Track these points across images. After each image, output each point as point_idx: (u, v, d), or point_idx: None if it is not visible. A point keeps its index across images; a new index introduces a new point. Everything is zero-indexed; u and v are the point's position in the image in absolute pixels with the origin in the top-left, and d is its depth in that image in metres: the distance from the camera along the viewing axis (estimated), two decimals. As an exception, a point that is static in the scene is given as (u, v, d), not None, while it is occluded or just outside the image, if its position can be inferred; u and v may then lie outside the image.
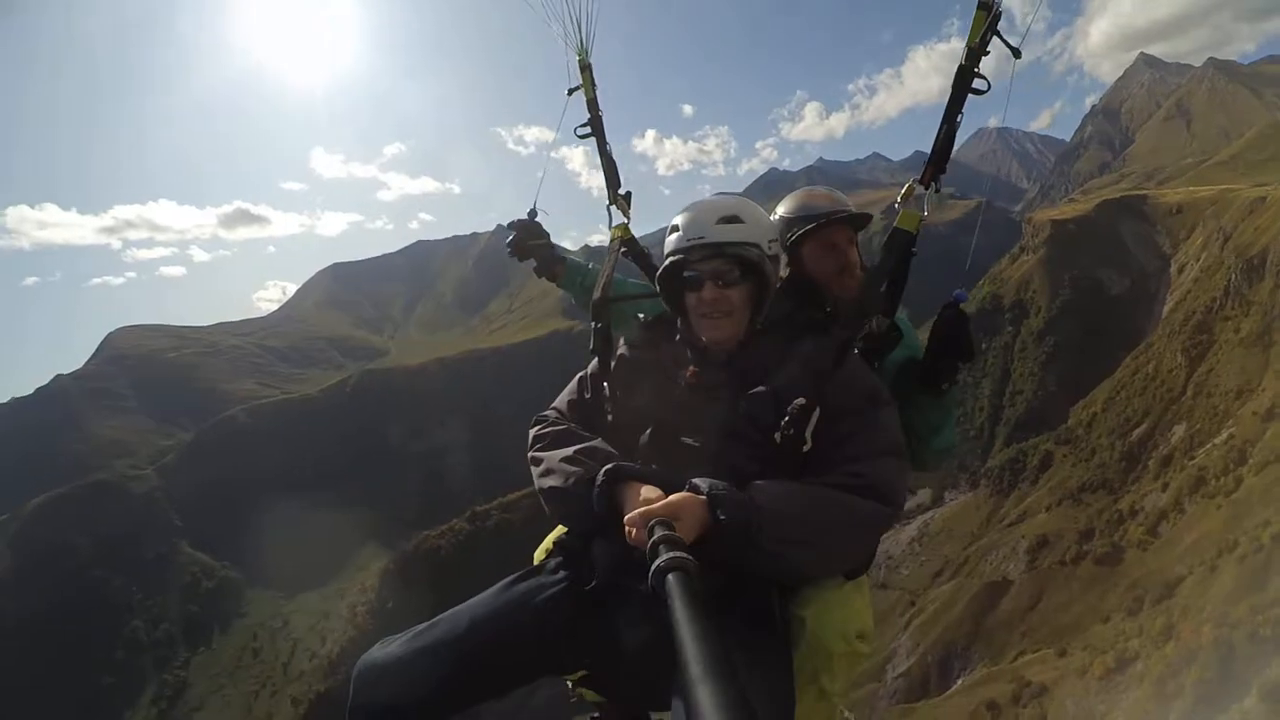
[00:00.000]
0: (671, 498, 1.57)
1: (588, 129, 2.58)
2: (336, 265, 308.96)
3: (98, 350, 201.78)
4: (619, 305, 2.48)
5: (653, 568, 1.21)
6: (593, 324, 2.27)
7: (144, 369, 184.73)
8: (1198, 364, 76.16)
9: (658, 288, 2.06)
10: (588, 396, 2.12)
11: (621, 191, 2.51)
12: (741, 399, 1.85)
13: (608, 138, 2.61)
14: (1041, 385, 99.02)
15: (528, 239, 2.69)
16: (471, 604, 1.89)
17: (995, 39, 2.14)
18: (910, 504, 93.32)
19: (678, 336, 2.07)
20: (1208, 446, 60.11)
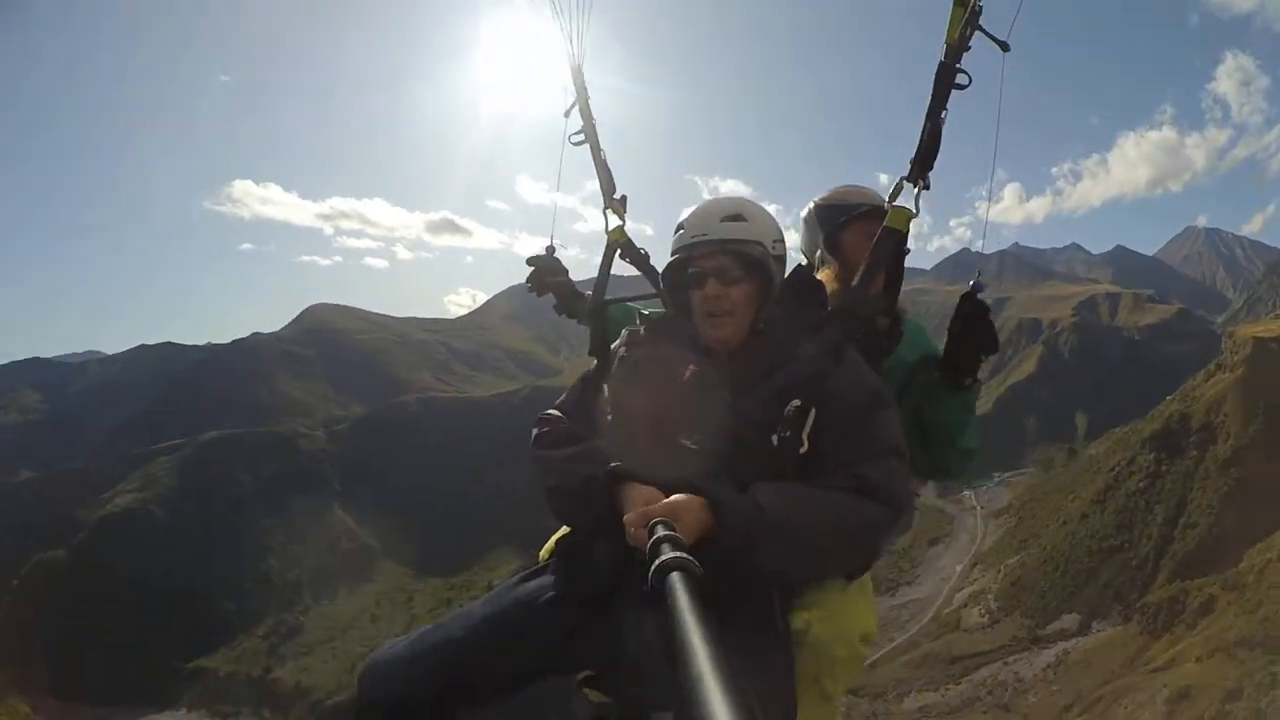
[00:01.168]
0: (672, 498, 1.59)
1: (581, 136, 2.60)
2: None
3: (296, 319, 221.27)
4: (626, 306, 2.58)
5: (653, 567, 1.21)
6: (590, 326, 2.36)
7: (334, 343, 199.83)
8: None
9: (661, 285, 2.12)
10: (590, 397, 2.14)
11: (616, 196, 2.55)
12: (739, 400, 1.85)
13: (601, 144, 2.63)
14: (1219, 521, 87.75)
15: (546, 275, 2.71)
16: (478, 604, 1.95)
17: (980, 34, 2.13)
18: (1054, 628, 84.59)
19: (680, 335, 2.07)
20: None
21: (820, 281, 2.20)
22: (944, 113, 2.13)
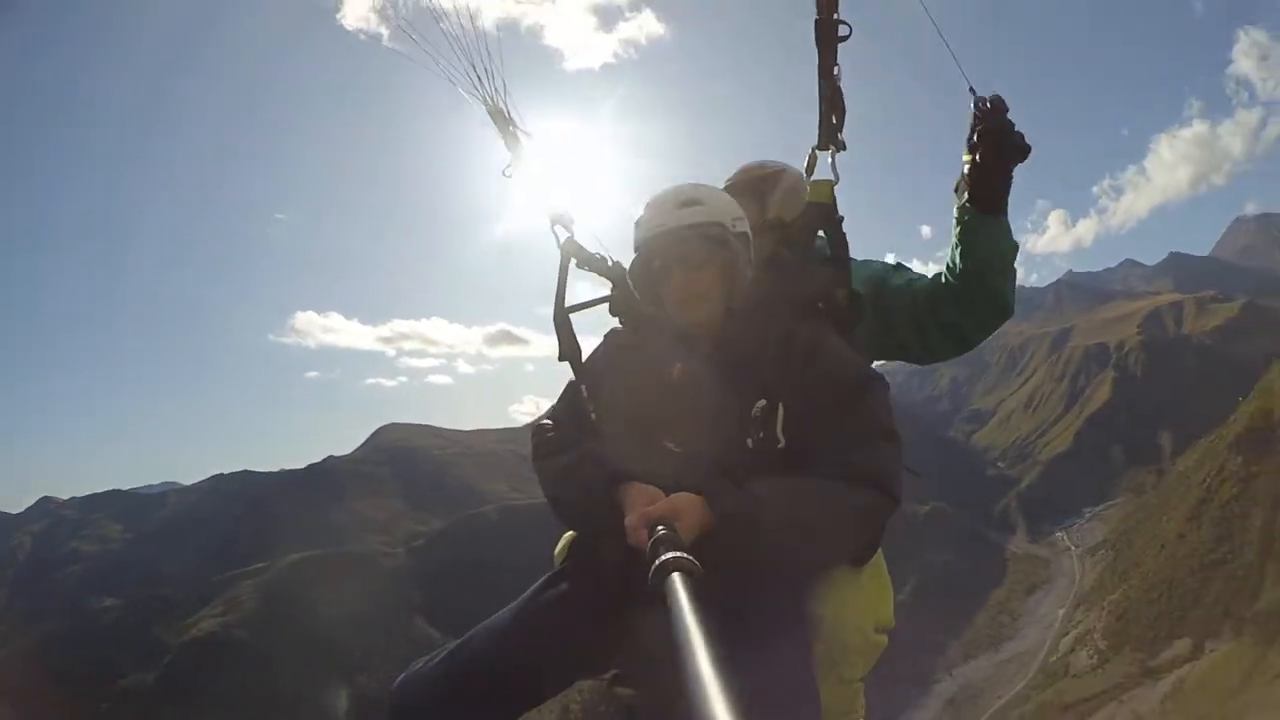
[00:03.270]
0: (670, 498, 1.59)
1: (512, 169, 2.64)
2: None
3: (368, 440, 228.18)
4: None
5: (653, 567, 1.21)
6: (557, 332, 2.36)
7: (407, 460, 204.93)
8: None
9: (630, 282, 2.11)
10: (579, 401, 2.15)
11: (559, 211, 2.51)
12: (722, 398, 1.85)
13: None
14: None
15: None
16: (500, 616, 1.99)
17: None
18: (1166, 655, 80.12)
19: (660, 330, 2.07)
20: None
21: (789, 260, 2.22)
22: (836, 69, 2.10)
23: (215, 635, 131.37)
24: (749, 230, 2.03)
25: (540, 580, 2.05)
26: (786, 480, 1.72)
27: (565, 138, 2.78)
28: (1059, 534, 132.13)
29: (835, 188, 2.13)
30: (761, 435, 1.78)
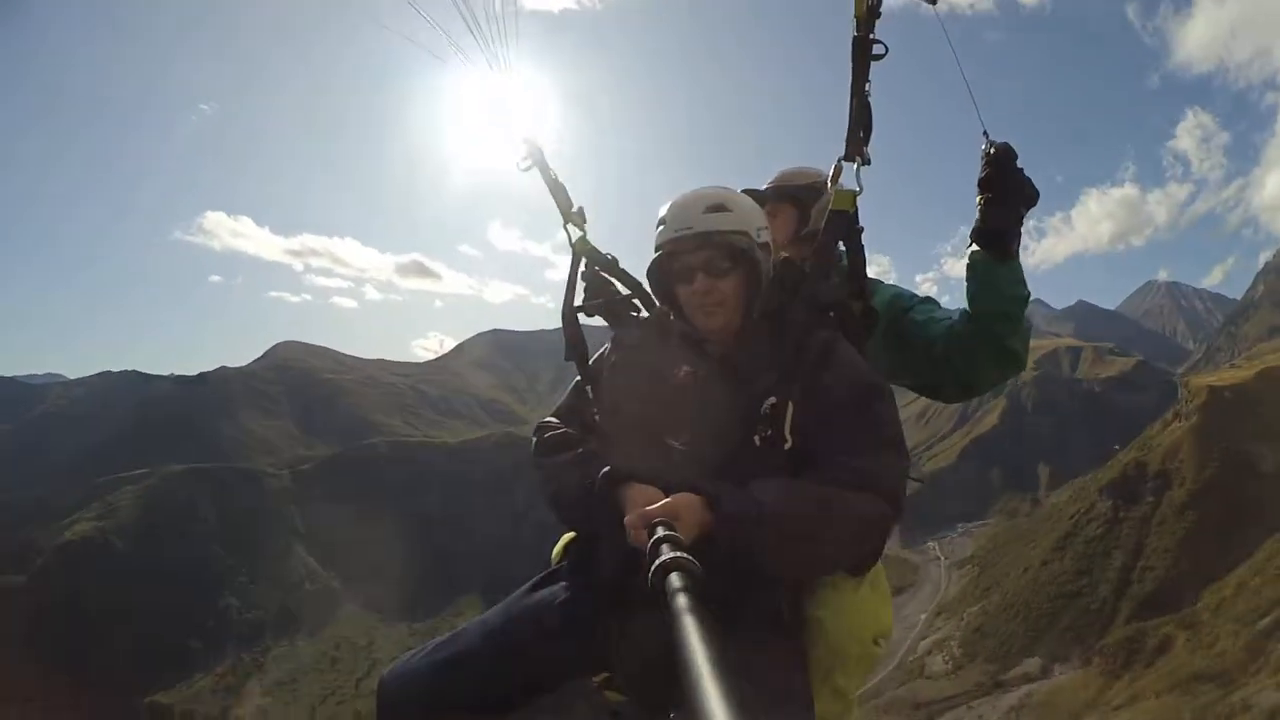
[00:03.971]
0: (671, 498, 1.57)
1: (529, 162, 2.59)
2: (497, 331, 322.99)
3: (264, 355, 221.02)
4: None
5: (652, 567, 1.21)
6: (565, 332, 2.34)
7: (302, 382, 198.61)
8: (1342, 559, 68.54)
9: (648, 282, 2.07)
10: (583, 401, 2.14)
11: (574, 209, 2.53)
12: (731, 398, 1.84)
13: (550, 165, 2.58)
14: (1175, 564, 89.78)
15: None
16: (492, 613, 1.96)
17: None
18: (1016, 672, 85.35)
19: (671, 332, 2.05)
20: (1340, 649, 53.73)
21: (805, 272, 2.15)
22: (868, 85, 2.12)
23: (91, 540, 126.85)
24: (771, 240, 2.03)
25: (534, 578, 2.04)
26: (789, 483, 1.70)
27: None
28: (931, 543, 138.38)
29: (858, 199, 2.13)
30: (769, 433, 1.77)
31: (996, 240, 2.10)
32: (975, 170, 2.14)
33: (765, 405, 1.76)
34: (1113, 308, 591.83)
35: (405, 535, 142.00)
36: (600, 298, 2.44)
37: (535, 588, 1.97)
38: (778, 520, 1.59)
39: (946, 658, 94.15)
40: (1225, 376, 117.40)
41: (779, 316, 1.97)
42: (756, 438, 1.76)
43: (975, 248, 2.15)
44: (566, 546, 2.09)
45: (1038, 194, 2.10)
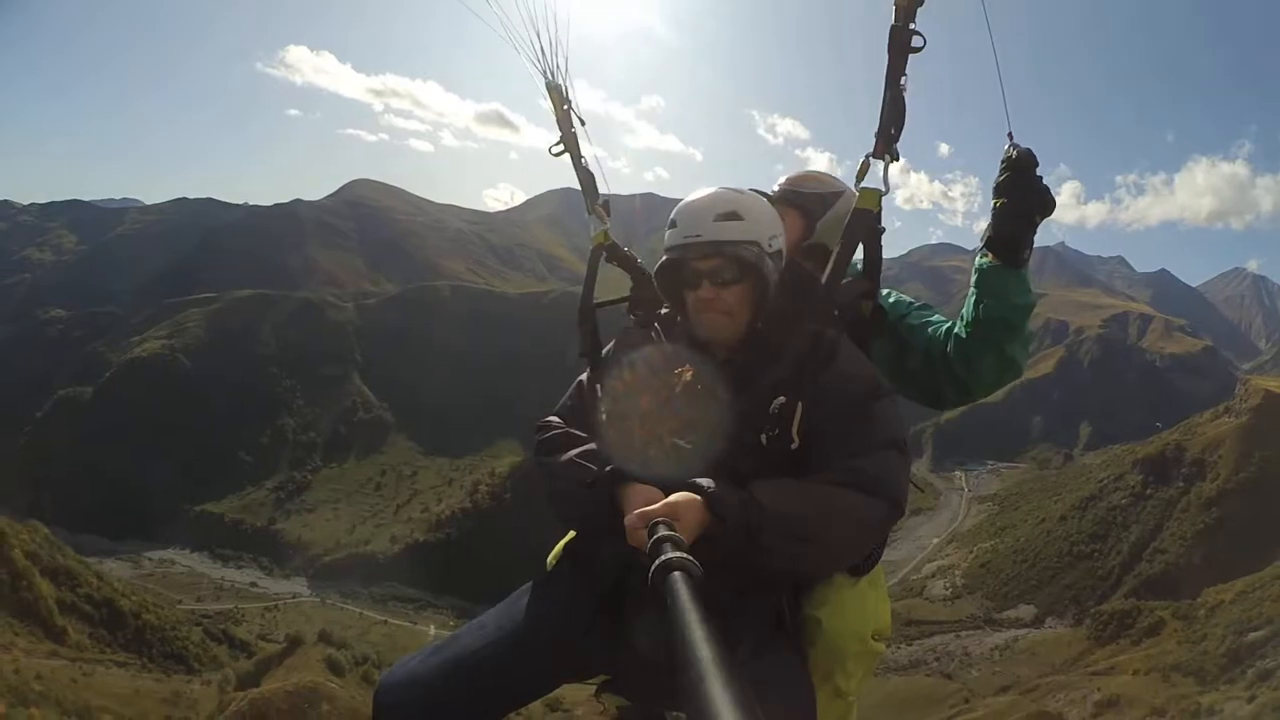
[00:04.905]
0: (671, 497, 1.56)
1: (561, 146, 2.58)
2: (569, 189, 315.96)
3: (339, 190, 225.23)
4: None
5: (652, 567, 1.20)
6: (580, 328, 2.31)
7: (374, 219, 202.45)
8: (1342, 587, 69.43)
9: (656, 284, 2.03)
10: (585, 400, 2.11)
11: (600, 201, 2.54)
12: (735, 399, 1.81)
13: (583, 151, 2.59)
14: (1188, 554, 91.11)
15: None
16: (490, 615, 1.94)
17: None
18: (1010, 614, 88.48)
19: (676, 334, 2.03)
20: (1313, 676, 55.90)
21: (814, 275, 2.10)
22: (904, 79, 2.07)
23: (158, 356, 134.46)
24: (784, 248, 2.01)
25: (533, 580, 2.04)
26: (791, 483, 1.69)
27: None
28: (958, 473, 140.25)
29: (881, 199, 2.09)
30: (776, 432, 1.76)
31: (1009, 247, 2.07)
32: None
33: (775, 404, 1.77)
34: (1194, 285, 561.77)
35: (457, 377, 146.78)
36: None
37: (535, 588, 1.99)
38: (778, 520, 1.59)
39: (948, 585, 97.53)
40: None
41: (787, 318, 1.95)
42: (763, 437, 1.77)
43: (986, 253, 2.12)
44: (566, 547, 2.13)
45: (1054, 203, 2.06)
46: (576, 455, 1.90)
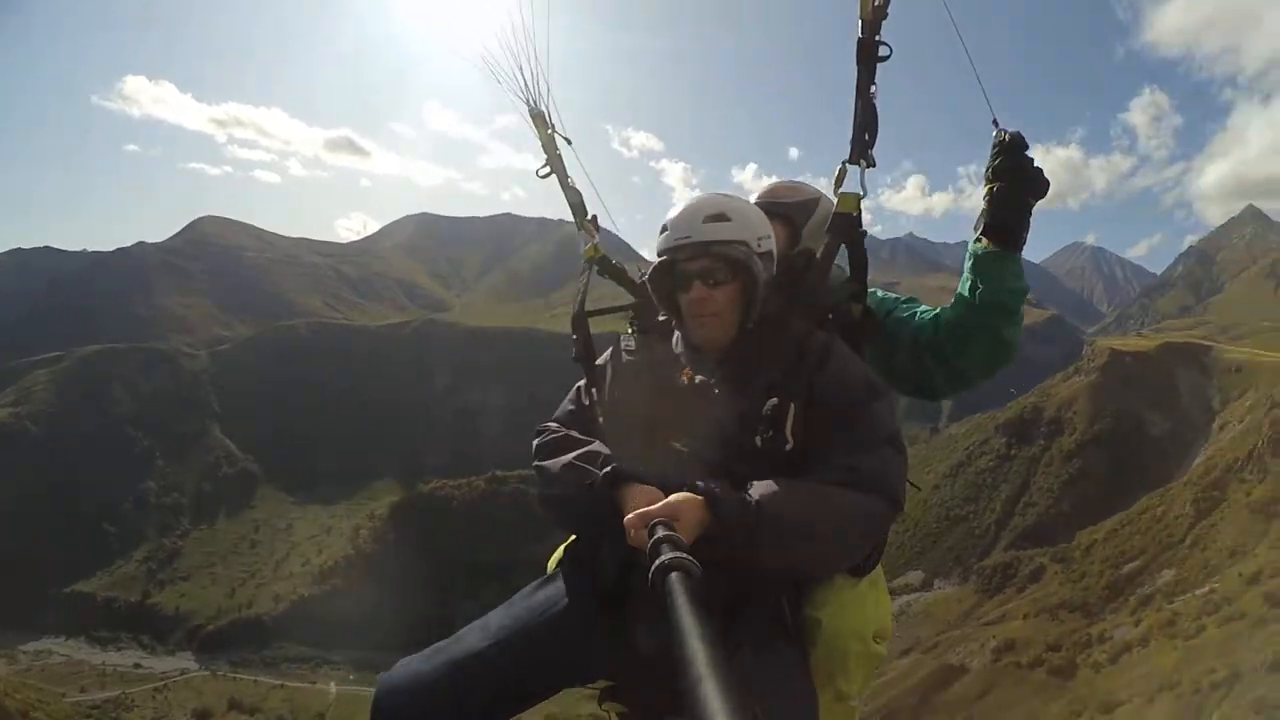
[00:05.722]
0: (670, 498, 1.57)
1: (548, 169, 2.66)
2: (425, 214, 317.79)
3: (184, 229, 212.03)
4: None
5: (652, 568, 1.21)
6: (575, 334, 2.34)
7: (223, 259, 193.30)
8: (1204, 517, 76.37)
9: (649, 289, 2.07)
10: (585, 404, 2.14)
11: (588, 218, 2.62)
12: (730, 400, 1.85)
13: (568, 172, 2.67)
14: (1056, 504, 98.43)
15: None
16: (491, 617, 1.93)
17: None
18: (899, 582, 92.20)
19: (670, 338, 2.08)
20: (1188, 595, 61.13)
21: (804, 277, 2.16)
22: (873, 88, 2.12)
23: (5, 425, 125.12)
24: (774, 249, 2.02)
25: (535, 581, 2.01)
26: (790, 483, 1.68)
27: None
28: None
29: (859, 202, 2.11)
30: (771, 434, 1.77)
31: (1006, 232, 2.08)
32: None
33: (768, 406, 1.79)
34: (1036, 261, 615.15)
35: (323, 419, 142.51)
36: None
37: (537, 590, 1.97)
38: (777, 520, 1.59)
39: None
40: (1130, 343, 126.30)
41: (779, 319, 1.98)
42: (758, 438, 1.78)
43: (981, 238, 2.13)
44: (566, 549, 2.11)
45: (1048, 185, 2.07)
46: (575, 457, 1.90)
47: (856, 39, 2.08)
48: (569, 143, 2.72)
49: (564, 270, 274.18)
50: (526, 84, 2.64)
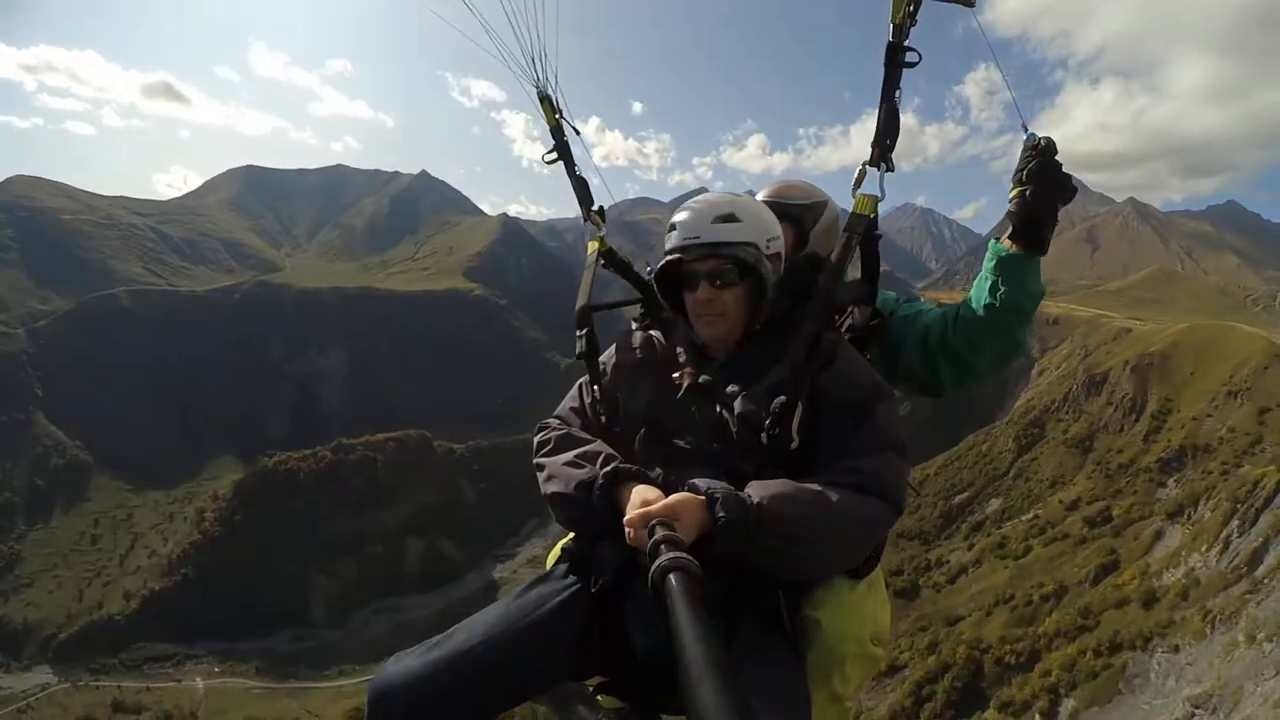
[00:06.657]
0: (670, 498, 1.56)
1: (554, 154, 2.61)
2: (251, 168, 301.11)
3: None
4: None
5: (652, 568, 1.20)
6: (578, 331, 2.29)
7: (34, 224, 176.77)
8: (1025, 452, 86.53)
9: (655, 287, 2.06)
10: (587, 401, 2.14)
11: (594, 208, 2.58)
12: (734, 400, 1.84)
13: (575, 159, 2.61)
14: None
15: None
16: (485, 613, 1.89)
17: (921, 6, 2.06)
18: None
19: (677, 336, 2.09)
20: (1015, 521, 69.29)
21: (813, 279, 2.11)
22: (898, 93, 2.12)
23: None
24: (782, 250, 2.04)
25: (531, 577, 2.00)
26: (791, 484, 1.68)
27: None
28: None
29: (876, 204, 2.16)
30: (777, 432, 1.78)
31: (1035, 235, 2.09)
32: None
33: (775, 404, 1.78)
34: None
35: (154, 396, 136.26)
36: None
37: (531, 586, 1.95)
38: (777, 521, 1.58)
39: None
40: (955, 296, 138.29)
41: (787, 319, 1.98)
42: (763, 437, 1.78)
43: (1007, 240, 2.12)
44: (564, 548, 2.09)
45: (1075, 190, 2.08)
46: (576, 456, 1.90)
47: (887, 43, 2.09)
48: (577, 133, 2.67)
49: (399, 226, 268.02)
50: (533, 62, 2.54)
